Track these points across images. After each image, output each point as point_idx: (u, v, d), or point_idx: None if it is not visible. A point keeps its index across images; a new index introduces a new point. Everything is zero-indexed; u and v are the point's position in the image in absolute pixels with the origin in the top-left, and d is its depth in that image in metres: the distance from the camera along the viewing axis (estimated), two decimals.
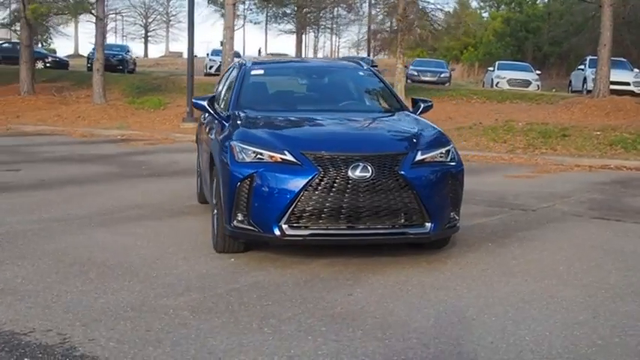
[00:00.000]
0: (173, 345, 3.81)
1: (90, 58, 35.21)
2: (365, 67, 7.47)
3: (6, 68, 30.86)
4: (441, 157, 5.62)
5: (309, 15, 53.99)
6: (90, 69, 31.81)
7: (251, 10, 66.94)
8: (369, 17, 45.47)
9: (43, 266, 5.33)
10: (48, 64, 34.51)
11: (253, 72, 7.03)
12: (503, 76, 28.42)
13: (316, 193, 5.13)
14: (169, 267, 5.38)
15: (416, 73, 30.36)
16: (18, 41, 39.89)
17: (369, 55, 45.50)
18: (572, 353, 3.85)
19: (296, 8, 50.05)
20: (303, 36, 62.03)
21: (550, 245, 6.48)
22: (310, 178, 5.13)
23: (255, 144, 5.41)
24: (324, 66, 8.09)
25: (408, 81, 29.35)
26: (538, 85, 28.33)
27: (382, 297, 4.74)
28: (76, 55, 59.30)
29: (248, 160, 5.35)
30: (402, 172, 5.24)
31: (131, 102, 23.35)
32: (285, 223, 5.18)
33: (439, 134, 5.92)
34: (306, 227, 5.23)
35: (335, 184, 5.14)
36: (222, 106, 6.79)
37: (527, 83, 28.11)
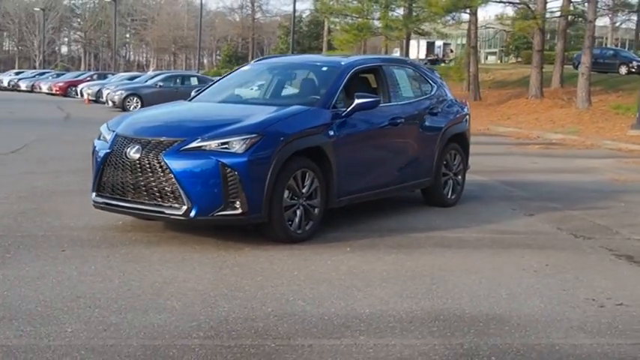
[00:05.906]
0: None
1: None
2: (339, 65, 7.11)
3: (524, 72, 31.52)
4: (229, 146, 5.64)
5: None
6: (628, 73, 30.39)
7: None
8: None
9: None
10: (632, 70, 31.33)
11: (243, 68, 8.15)
12: None
13: (109, 168, 5.97)
14: (76, 219, 6.52)
15: None
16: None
17: None
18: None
19: None
20: None
21: (431, 260, 5.48)
22: (105, 154, 6.00)
23: (110, 127, 6.31)
24: (297, 63, 8.31)
25: None
26: None
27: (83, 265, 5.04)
28: None
29: (100, 139, 6.32)
30: (164, 157, 5.65)
31: (615, 107, 21.73)
32: (94, 192, 6.14)
33: (255, 126, 5.84)
34: (103, 196, 6.05)
35: (117, 162, 5.90)
36: None
37: None
